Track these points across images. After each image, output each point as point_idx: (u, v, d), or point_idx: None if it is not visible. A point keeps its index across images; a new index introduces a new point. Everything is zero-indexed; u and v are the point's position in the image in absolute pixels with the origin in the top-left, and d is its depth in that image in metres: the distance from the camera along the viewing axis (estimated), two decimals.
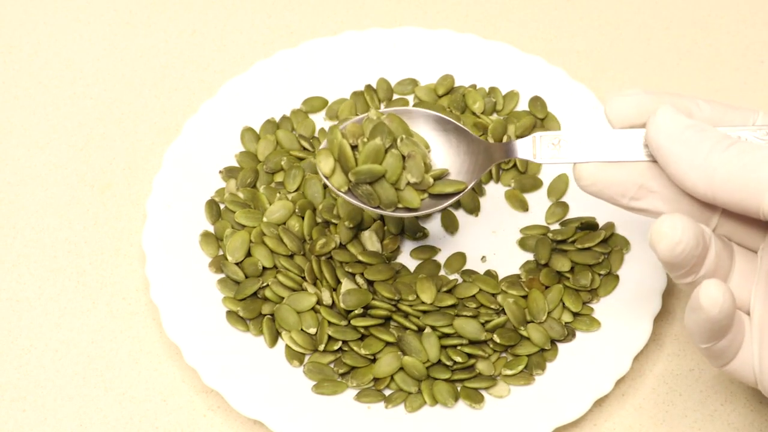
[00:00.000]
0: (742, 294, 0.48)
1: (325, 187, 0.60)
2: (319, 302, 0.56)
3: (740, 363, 0.47)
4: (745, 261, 0.48)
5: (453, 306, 0.56)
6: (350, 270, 0.56)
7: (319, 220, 0.59)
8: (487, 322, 0.56)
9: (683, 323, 0.58)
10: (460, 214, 0.61)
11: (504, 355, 0.56)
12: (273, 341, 0.56)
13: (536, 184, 0.62)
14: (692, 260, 0.46)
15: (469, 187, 0.53)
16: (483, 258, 0.59)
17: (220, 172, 0.62)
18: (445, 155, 0.54)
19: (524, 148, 0.51)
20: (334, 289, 0.56)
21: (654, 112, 0.47)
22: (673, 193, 0.48)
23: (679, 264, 0.46)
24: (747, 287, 0.48)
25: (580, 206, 0.61)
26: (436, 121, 0.54)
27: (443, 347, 0.55)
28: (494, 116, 0.64)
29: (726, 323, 0.45)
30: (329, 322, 0.55)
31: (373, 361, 0.55)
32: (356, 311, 0.55)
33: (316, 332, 0.55)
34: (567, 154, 0.50)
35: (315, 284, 0.57)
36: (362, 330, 0.55)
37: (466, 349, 0.55)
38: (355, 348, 0.55)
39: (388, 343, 0.55)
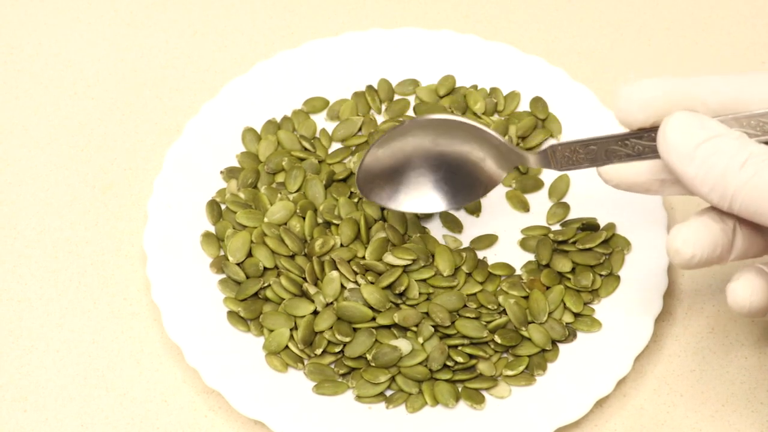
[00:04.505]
0: None
1: (326, 187, 0.60)
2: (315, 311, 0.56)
3: None
4: None
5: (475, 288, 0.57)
6: (355, 269, 0.57)
7: (320, 220, 0.59)
8: (489, 322, 0.56)
9: (685, 326, 0.58)
10: (461, 215, 0.61)
11: (505, 355, 0.56)
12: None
13: (537, 185, 0.62)
14: (714, 261, 0.46)
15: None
16: (484, 258, 0.59)
17: (221, 172, 0.62)
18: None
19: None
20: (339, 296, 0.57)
21: (664, 125, 0.45)
22: None
23: (701, 267, 0.46)
24: None
25: (581, 207, 0.61)
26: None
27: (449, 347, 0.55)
28: (495, 117, 0.64)
29: (762, 311, 0.45)
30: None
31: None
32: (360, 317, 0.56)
33: (313, 340, 0.56)
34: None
35: (316, 284, 0.57)
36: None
37: (467, 350, 0.55)
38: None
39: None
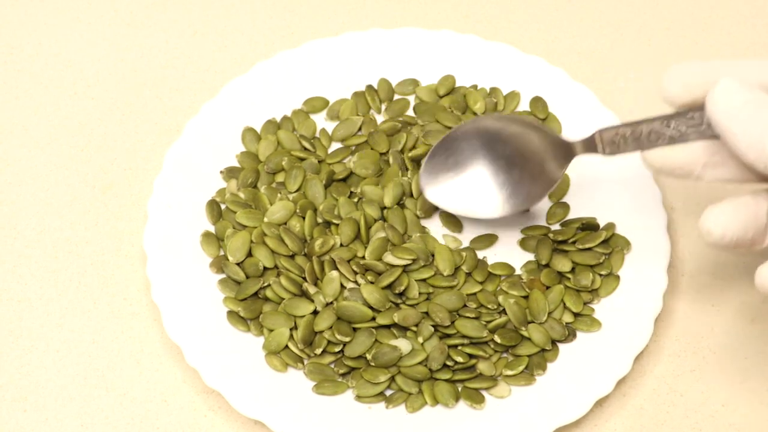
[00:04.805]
0: None
1: (326, 187, 0.60)
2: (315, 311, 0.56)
3: None
4: None
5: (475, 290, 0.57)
6: (355, 269, 0.57)
7: (320, 220, 0.59)
8: (488, 322, 0.56)
9: (685, 326, 0.58)
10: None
11: (505, 355, 0.56)
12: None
13: None
14: (746, 243, 0.48)
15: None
16: (484, 258, 0.59)
17: (221, 172, 0.62)
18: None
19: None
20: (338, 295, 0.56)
21: (714, 86, 0.47)
22: (737, 164, 0.49)
23: (734, 248, 0.48)
24: None
25: (581, 207, 0.61)
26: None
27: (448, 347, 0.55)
28: None
29: None
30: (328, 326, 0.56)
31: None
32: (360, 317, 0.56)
33: (313, 340, 0.56)
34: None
35: (315, 284, 0.57)
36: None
37: (467, 350, 0.55)
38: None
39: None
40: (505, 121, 0.58)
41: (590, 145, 0.54)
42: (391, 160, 0.61)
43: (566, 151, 0.56)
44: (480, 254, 0.59)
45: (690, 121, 0.50)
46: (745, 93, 0.47)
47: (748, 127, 0.46)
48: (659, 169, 0.51)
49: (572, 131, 0.63)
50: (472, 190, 0.58)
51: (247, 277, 0.57)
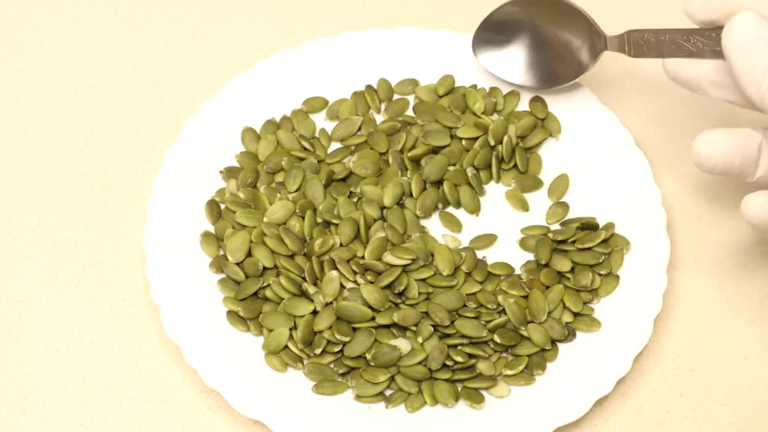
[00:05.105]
0: None
1: (325, 187, 0.60)
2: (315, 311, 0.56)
3: None
4: None
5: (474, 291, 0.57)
6: (354, 269, 0.57)
7: (319, 220, 0.59)
8: (488, 322, 0.56)
9: (685, 326, 0.58)
10: (460, 214, 0.61)
11: (504, 355, 0.56)
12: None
13: (537, 184, 0.62)
14: (734, 169, 0.51)
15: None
16: (483, 258, 0.59)
17: (221, 172, 0.62)
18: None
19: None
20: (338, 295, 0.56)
21: (732, 18, 0.50)
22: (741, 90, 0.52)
23: (722, 173, 0.51)
24: None
25: (580, 206, 0.61)
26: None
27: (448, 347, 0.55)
28: (495, 116, 0.64)
29: None
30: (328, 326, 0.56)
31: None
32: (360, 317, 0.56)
33: (313, 340, 0.56)
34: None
35: (315, 284, 0.57)
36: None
37: (467, 349, 0.55)
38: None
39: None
40: (549, 2, 0.62)
41: (620, 43, 0.59)
42: (390, 160, 0.61)
43: (599, 43, 0.61)
44: (479, 254, 0.59)
45: (707, 39, 0.55)
46: (759, 30, 0.50)
47: (753, 62, 0.49)
48: (673, 77, 0.56)
49: (572, 131, 0.63)
50: (517, 59, 0.63)
51: (247, 277, 0.57)
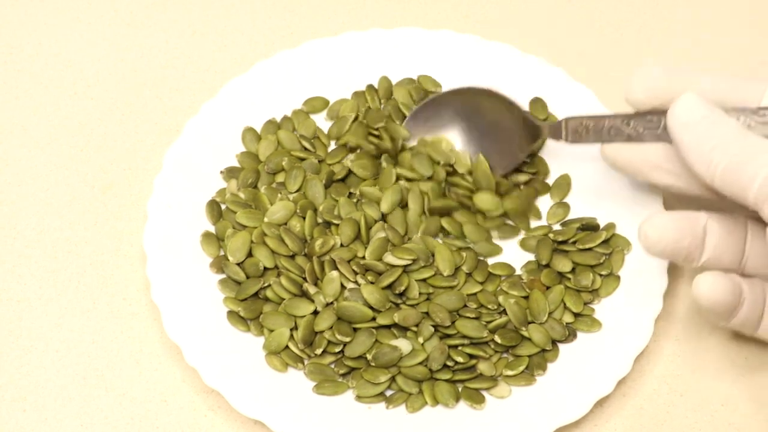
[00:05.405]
0: (757, 264, 0.51)
1: (326, 187, 0.60)
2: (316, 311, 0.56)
3: (765, 329, 0.52)
4: (760, 238, 0.51)
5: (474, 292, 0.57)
6: (355, 269, 0.57)
7: (320, 220, 0.59)
8: (489, 322, 0.56)
9: (685, 326, 0.58)
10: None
11: (505, 355, 0.56)
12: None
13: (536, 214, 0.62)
14: (682, 252, 0.51)
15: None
16: (484, 258, 0.59)
17: (221, 172, 0.62)
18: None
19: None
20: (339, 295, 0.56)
21: (677, 100, 0.50)
22: (686, 173, 0.52)
23: (670, 256, 0.51)
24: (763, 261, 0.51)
25: (581, 207, 0.61)
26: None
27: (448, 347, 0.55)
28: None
29: (726, 309, 0.50)
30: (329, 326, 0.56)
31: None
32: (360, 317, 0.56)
33: (313, 340, 0.56)
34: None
35: (316, 284, 0.57)
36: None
37: (468, 350, 0.55)
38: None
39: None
40: (484, 94, 0.60)
41: (556, 131, 0.58)
42: (384, 164, 0.61)
43: (534, 133, 0.59)
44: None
45: (648, 123, 0.54)
46: (703, 109, 0.50)
47: (701, 140, 0.49)
48: (611, 162, 0.55)
49: None
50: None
51: (248, 277, 0.57)
